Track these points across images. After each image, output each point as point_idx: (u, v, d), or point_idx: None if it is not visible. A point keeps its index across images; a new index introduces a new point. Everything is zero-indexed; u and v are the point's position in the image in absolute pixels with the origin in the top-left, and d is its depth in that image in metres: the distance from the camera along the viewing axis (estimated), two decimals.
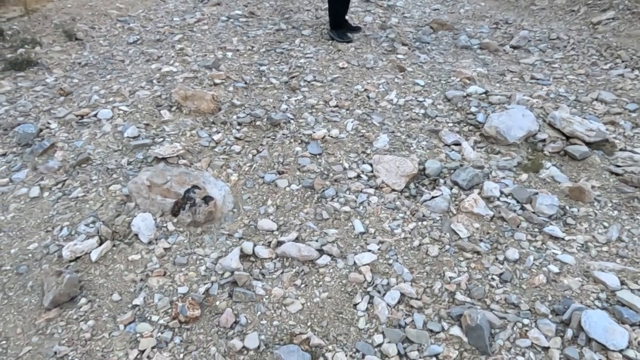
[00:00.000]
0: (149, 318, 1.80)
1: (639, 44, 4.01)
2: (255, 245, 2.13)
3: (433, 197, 2.39)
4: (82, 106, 3.19)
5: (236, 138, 2.92)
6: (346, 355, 1.67)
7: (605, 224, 2.21)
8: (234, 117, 3.10)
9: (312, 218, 2.32)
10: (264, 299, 1.89)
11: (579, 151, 2.71)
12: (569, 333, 1.66)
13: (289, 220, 2.31)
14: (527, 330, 1.70)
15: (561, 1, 5.30)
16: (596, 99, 3.36)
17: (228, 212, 2.37)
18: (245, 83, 3.56)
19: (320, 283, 1.97)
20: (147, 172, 2.41)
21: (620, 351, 1.57)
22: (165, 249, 2.11)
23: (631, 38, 4.17)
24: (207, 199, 2.30)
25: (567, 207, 2.32)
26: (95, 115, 3.07)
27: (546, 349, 1.64)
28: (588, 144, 2.81)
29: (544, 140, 2.85)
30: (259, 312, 1.84)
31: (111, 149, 2.76)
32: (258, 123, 3.05)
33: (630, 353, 1.57)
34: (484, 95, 3.34)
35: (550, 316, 1.75)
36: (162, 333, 1.74)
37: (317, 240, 2.16)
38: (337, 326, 1.79)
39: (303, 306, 1.87)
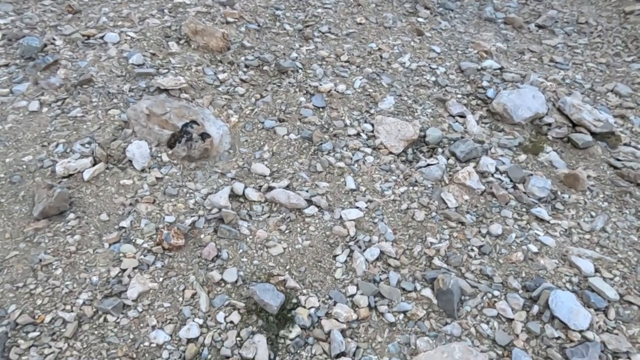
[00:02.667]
0: (133, 240, 1.85)
1: None
2: (246, 187, 2.15)
3: (428, 165, 2.39)
4: (90, 27, 3.12)
5: (241, 80, 2.88)
6: (319, 300, 1.73)
7: (593, 213, 2.23)
8: (242, 58, 3.04)
9: (306, 169, 2.34)
10: (248, 239, 1.94)
11: (583, 140, 2.69)
12: (535, 309, 1.72)
13: (282, 168, 2.32)
14: (495, 302, 1.76)
15: None
16: (611, 91, 3.29)
17: (224, 152, 2.38)
18: (259, 25, 3.46)
19: (305, 231, 2.01)
20: (147, 100, 2.39)
21: (580, 332, 1.63)
22: (157, 178, 2.13)
23: None
24: (204, 136, 2.30)
25: (559, 193, 2.33)
26: (102, 38, 3.01)
27: (510, 320, 1.70)
28: (593, 134, 2.78)
29: (549, 124, 2.82)
30: (241, 250, 1.89)
31: (114, 73, 2.73)
32: (265, 68, 3.00)
33: (589, 334, 1.63)
34: (498, 71, 3.26)
35: (520, 291, 1.80)
36: (144, 256, 1.79)
37: (307, 191, 2.18)
38: (315, 273, 1.85)
39: (284, 250, 1.92)
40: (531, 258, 1.94)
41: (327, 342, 1.61)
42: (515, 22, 4.18)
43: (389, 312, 1.71)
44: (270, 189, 2.16)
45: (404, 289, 1.79)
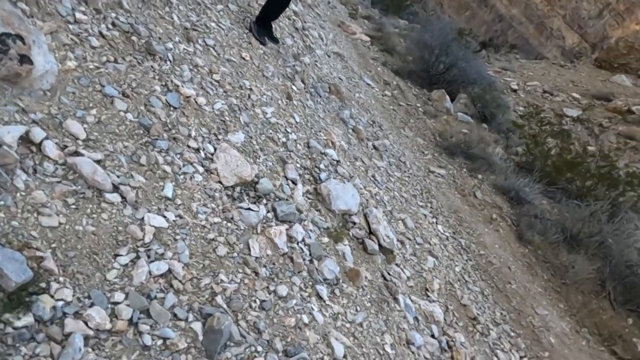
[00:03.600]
0: None
1: (446, 203, 5.01)
2: (47, 138, 1.77)
3: (249, 209, 2.41)
4: None
5: (101, 34, 2.51)
6: (74, 295, 1.45)
7: (358, 308, 2.53)
8: (113, 15, 2.70)
9: (129, 155, 2.08)
10: (18, 194, 1.55)
11: (372, 247, 3.13)
12: None
13: (102, 141, 2.02)
14: (255, 357, 1.76)
15: (420, 141, 6.36)
16: (402, 220, 3.99)
17: (38, 89, 1.96)
18: None
19: (95, 215, 1.72)
20: None
21: None
22: None
23: (444, 196, 5.20)
24: (24, 59, 1.87)
25: (341, 281, 2.60)
26: None
27: None
28: (380, 246, 3.27)
29: (354, 223, 3.22)
30: (2, 202, 1.49)
31: None
32: (134, 38, 2.70)
33: None
34: (336, 162, 3.65)
35: (280, 354, 1.86)
36: None
37: (119, 177, 1.92)
38: (84, 264, 1.56)
39: (60, 226, 1.59)
40: (300, 327, 2.05)
41: (61, 344, 1.32)
42: (360, 133, 4.86)
43: (148, 333, 1.53)
44: (77, 154, 1.83)
45: (175, 315, 1.65)
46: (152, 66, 2.67)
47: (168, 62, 2.82)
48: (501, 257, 4.45)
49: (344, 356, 2.10)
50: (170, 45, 2.96)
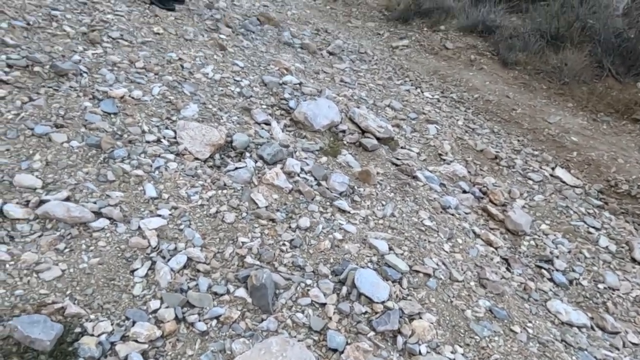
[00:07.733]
0: None
1: (422, 69, 4.83)
2: (5, 204, 1.68)
3: (237, 168, 2.33)
4: None
5: (2, 81, 2.32)
6: (112, 324, 1.44)
7: (383, 202, 2.51)
8: (4, 57, 2.47)
9: (94, 179, 1.99)
10: (8, 265, 1.50)
11: (371, 143, 3.05)
12: (344, 290, 1.79)
13: (61, 179, 1.91)
14: (308, 290, 1.77)
15: (371, 24, 6.03)
16: (388, 106, 3.87)
17: None
18: (28, 24, 2.90)
19: (92, 248, 1.67)
20: None
21: (382, 302, 1.76)
22: None
23: (418, 64, 5.00)
24: None
25: (356, 187, 2.56)
26: None
27: (323, 305, 1.73)
28: (378, 139, 3.19)
29: (344, 131, 3.12)
30: None
31: None
32: (37, 69, 2.50)
33: (390, 304, 1.77)
34: (298, 85, 3.49)
35: (330, 276, 1.86)
36: None
37: (95, 202, 1.85)
38: (106, 294, 1.54)
39: (64, 273, 1.55)
40: (337, 245, 2.04)
41: None
42: (310, 47, 4.60)
43: (199, 320, 1.54)
44: (42, 202, 1.74)
45: (215, 293, 1.64)
46: (70, 86, 2.49)
47: (84, 74, 2.62)
48: (496, 91, 4.33)
49: (390, 249, 2.11)
50: (76, 57, 2.74)
